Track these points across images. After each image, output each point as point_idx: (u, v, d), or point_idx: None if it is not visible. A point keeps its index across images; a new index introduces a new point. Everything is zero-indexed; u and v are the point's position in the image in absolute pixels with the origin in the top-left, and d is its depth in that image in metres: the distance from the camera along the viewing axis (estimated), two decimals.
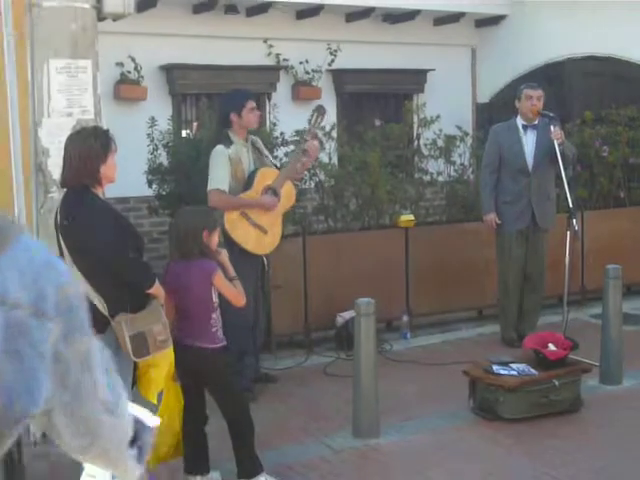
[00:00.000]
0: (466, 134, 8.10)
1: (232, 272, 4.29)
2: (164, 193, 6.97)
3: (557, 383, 5.09)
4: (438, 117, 7.97)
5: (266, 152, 5.81)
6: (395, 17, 9.88)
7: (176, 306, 4.14)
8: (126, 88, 8.45)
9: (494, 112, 9.80)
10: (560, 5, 9.56)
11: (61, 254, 3.82)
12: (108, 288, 3.73)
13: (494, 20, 10.43)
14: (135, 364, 3.82)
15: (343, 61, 9.52)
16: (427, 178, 8.00)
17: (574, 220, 6.14)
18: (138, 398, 3.78)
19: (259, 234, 5.48)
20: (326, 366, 6.29)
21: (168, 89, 8.85)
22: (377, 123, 8.07)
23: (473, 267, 7.35)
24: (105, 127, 4.18)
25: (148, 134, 7.11)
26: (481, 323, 7.49)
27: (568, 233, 6.13)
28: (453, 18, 10.17)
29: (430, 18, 10.18)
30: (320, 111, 5.70)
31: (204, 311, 4.14)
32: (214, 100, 7.76)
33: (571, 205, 6.21)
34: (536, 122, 6.61)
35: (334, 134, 7.63)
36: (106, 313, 3.72)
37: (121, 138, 4.08)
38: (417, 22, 9.95)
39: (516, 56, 10.03)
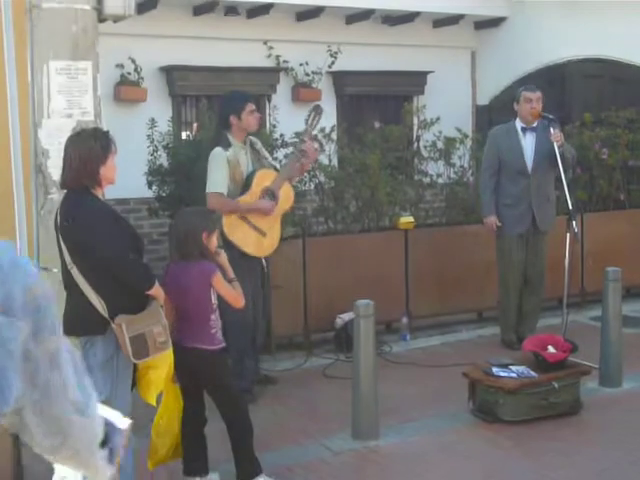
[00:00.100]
0: (466, 136, 8.10)
1: (231, 274, 4.29)
2: (164, 194, 6.97)
3: (557, 385, 5.09)
4: (438, 119, 7.98)
5: (265, 153, 5.81)
6: (395, 19, 9.89)
7: (176, 307, 4.14)
8: (126, 89, 8.46)
9: (494, 114, 9.82)
10: (560, 7, 9.57)
11: (61, 255, 3.82)
12: (108, 289, 3.72)
13: (494, 22, 10.44)
14: (134, 365, 3.82)
15: (343, 63, 9.53)
16: (427, 180, 8.00)
17: (574, 222, 6.14)
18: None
19: (258, 237, 5.48)
20: (325, 368, 6.29)
21: (168, 90, 8.86)
22: (377, 125, 8.07)
23: (473, 269, 7.35)
24: (105, 128, 4.18)
25: (148, 135, 7.11)
26: (481, 325, 7.49)
27: (568, 235, 6.13)
28: (453, 20, 10.18)
29: (430, 20, 10.19)
30: (317, 110, 5.70)
31: (203, 312, 4.14)
32: (214, 102, 7.77)
33: (571, 207, 6.21)
34: (535, 124, 6.61)
35: (334, 136, 7.64)
36: (106, 315, 3.71)
37: (121, 140, 4.08)
38: (417, 24, 9.96)
39: (516, 58, 10.03)
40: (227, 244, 5.25)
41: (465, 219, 7.78)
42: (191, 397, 4.19)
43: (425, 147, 8.06)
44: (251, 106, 5.57)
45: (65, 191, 3.91)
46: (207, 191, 5.40)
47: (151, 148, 7.06)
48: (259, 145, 5.75)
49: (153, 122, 7.18)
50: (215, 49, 8.90)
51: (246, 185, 5.49)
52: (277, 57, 9.35)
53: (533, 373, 5.15)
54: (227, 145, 5.48)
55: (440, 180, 8.03)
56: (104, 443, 1.50)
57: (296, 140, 6.08)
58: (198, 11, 8.81)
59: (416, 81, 10.30)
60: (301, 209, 7.23)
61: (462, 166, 8.06)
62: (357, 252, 6.96)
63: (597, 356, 5.72)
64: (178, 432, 4.17)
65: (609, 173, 8.34)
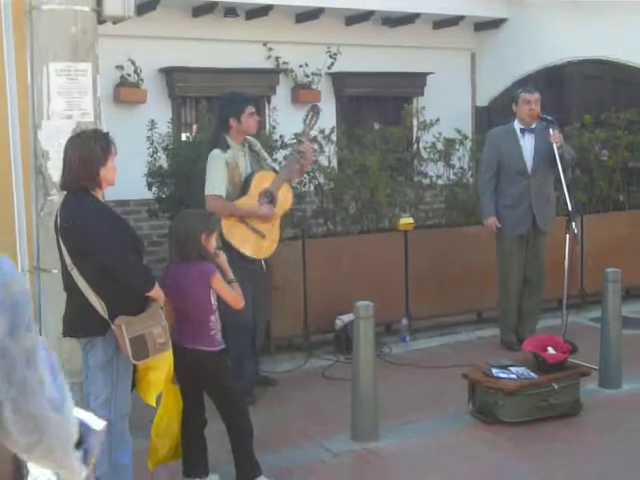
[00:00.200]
0: (465, 137, 8.10)
1: (231, 275, 4.29)
2: (164, 196, 6.97)
3: (556, 387, 5.09)
4: (437, 120, 7.98)
5: (265, 155, 5.80)
6: (394, 20, 9.90)
7: (175, 309, 4.14)
8: (126, 91, 8.46)
9: (493, 115, 9.82)
10: (559, 8, 9.58)
11: (61, 257, 3.82)
12: (108, 291, 3.72)
13: (493, 23, 10.45)
14: (134, 366, 3.82)
15: (343, 64, 9.54)
16: (426, 181, 8.00)
17: (574, 223, 6.14)
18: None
19: (257, 239, 5.48)
20: (325, 369, 6.29)
21: (168, 92, 8.87)
22: (376, 126, 8.07)
23: (472, 270, 7.35)
24: (105, 130, 4.18)
25: (148, 137, 7.11)
26: (480, 326, 7.48)
27: (567, 236, 6.13)
28: (452, 21, 10.19)
29: (429, 21, 10.20)
30: (315, 110, 5.69)
31: (203, 314, 4.15)
32: (214, 103, 7.77)
33: (570, 208, 6.21)
34: (534, 125, 6.62)
35: (334, 137, 7.64)
36: (106, 316, 3.71)
37: (121, 141, 4.08)
38: (416, 25, 9.97)
39: (515, 59, 10.04)
40: (226, 245, 5.25)
41: (465, 220, 7.78)
42: (191, 398, 4.19)
43: (425, 148, 8.05)
44: (251, 109, 5.56)
45: (65, 193, 3.92)
46: (206, 193, 5.40)
47: (151, 150, 7.06)
48: (258, 146, 5.74)
49: (153, 123, 7.18)
50: (215, 50, 8.91)
51: (245, 187, 5.49)
52: (277, 58, 9.36)
53: (533, 374, 5.14)
54: (225, 147, 5.48)
55: (440, 181, 8.03)
56: (79, 444, 1.51)
57: (294, 141, 6.08)
58: (197, 12, 8.81)
59: (416, 82, 10.31)
60: (300, 210, 7.23)
61: (462, 167, 8.06)
62: (357, 253, 6.96)
63: (597, 357, 5.72)
64: (178, 433, 4.17)
65: (609, 175, 8.33)
